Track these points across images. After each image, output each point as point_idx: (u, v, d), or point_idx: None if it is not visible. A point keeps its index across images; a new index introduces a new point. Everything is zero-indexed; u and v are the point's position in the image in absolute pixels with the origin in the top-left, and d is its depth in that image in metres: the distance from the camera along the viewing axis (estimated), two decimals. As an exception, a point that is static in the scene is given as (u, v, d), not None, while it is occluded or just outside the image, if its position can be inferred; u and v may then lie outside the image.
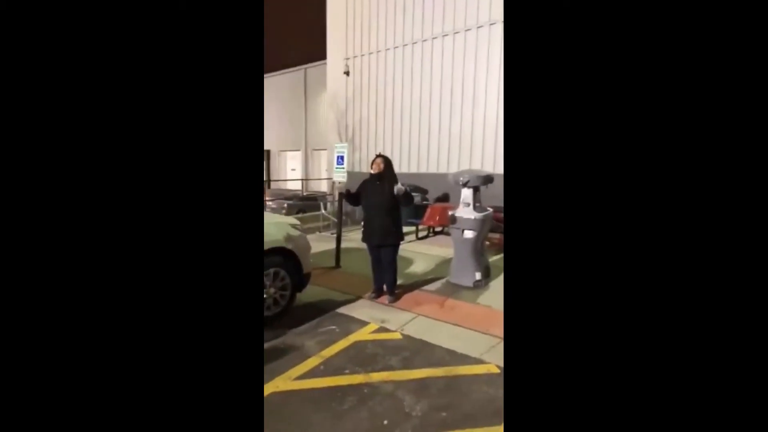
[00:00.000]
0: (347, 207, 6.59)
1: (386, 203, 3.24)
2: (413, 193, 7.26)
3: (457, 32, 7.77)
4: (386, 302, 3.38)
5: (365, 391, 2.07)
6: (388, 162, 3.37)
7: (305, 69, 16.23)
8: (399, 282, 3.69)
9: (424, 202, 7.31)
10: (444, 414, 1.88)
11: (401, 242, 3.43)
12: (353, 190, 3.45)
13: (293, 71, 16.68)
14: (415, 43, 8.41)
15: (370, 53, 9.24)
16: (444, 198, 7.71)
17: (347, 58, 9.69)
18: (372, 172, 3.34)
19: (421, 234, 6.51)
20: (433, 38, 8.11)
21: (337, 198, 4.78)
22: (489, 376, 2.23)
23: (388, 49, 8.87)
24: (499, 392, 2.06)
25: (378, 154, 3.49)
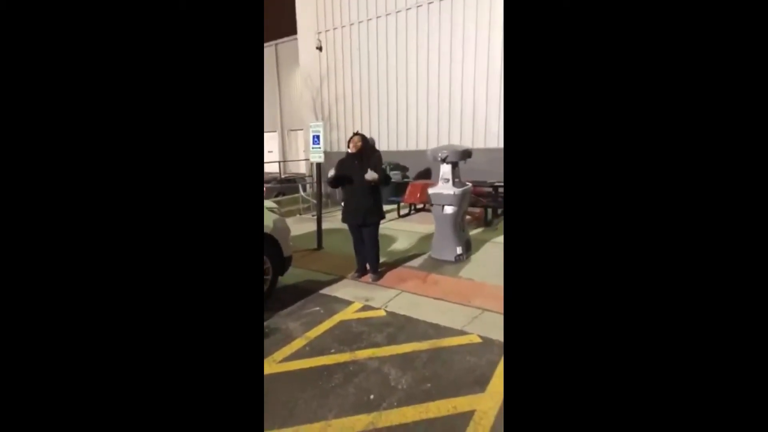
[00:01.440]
0: (327, 188, 6.49)
1: (366, 182, 3.19)
2: (393, 172, 7.27)
3: (431, 2, 7.54)
4: (370, 281, 3.41)
5: (351, 368, 2.10)
6: (365, 140, 3.31)
7: (275, 45, 15.53)
8: (382, 260, 3.71)
9: (405, 180, 7.29)
10: (429, 385, 1.94)
11: (382, 220, 3.42)
12: (330, 170, 3.36)
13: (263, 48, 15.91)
14: (389, 14, 8.12)
15: (343, 26, 8.90)
16: (425, 174, 7.71)
17: (319, 33, 9.30)
18: (350, 151, 3.27)
19: (402, 212, 6.52)
20: (407, 9, 7.86)
21: (316, 179, 4.69)
22: (471, 346, 2.30)
23: (362, 21, 8.56)
24: (481, 360, 2.14)
25: (355, 132, 3.42)
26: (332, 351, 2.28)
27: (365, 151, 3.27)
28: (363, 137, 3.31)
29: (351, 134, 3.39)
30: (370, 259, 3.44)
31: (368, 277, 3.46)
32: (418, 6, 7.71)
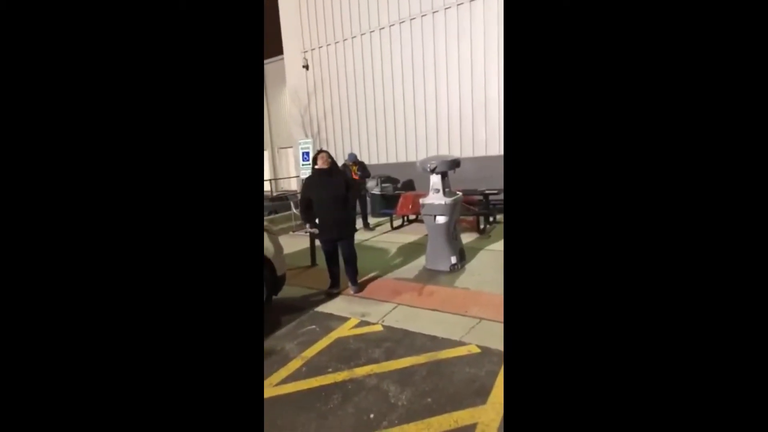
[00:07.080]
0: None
1: (338, 196, 3.24)
2: (384, 185, 7.30)
3: (413, 18, 7.72)
4: (352, 293, 3.41)
5: (349, 387, 2.05)
6: (330, 155, 3.41)
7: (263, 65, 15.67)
8: (376, 273, 3.69)
9: (396, 192, 7.31)
10: (429, 400, 1.90)
11: (356, 233, 3.51)
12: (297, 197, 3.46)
13: (250, 68, 16.05)
14: (373, 31, 8.29)
15: (328, 45, 9.05)
16: (408, 185, 7.77)
17: (305, 51, 9.44)
18: (320, 167, 3.29)
19: (396, 224, 6.52)
20: (391, 25, 8.03)
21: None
22: (470, 357, 2.27)
23: (346, 39, 8.71)
24: (481, 371, 2.10)
25: (320, 150, 3.52)
26: (329, 370, 2.23)
27: (334, 166, 3.39)
28: (328, 153, 3.42)
29: (324, 150, 3.56)
30: (350, 272, 3.46)
31: (350, 289, 3.47)
32: (401, 22, 7.89)
